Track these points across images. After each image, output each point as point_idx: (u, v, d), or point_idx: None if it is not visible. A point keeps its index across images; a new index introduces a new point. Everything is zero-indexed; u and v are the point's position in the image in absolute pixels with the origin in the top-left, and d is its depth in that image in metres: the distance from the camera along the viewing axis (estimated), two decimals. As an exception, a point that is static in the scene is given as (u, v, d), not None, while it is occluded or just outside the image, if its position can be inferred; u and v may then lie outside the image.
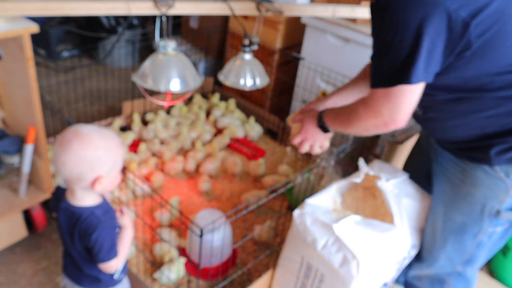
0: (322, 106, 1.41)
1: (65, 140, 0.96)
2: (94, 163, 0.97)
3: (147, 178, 1.90)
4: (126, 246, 1.11)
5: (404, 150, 1.91)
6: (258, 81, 1.67)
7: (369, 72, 1.34)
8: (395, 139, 1.90)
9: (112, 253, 1.05)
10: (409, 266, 1.44)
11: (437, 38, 0.92)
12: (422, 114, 1.19)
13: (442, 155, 1.24)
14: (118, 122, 2.21)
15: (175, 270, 1.44)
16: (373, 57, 1.05)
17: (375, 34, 1.03)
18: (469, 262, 1.25)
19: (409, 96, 0.98)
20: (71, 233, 1.04)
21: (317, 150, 1.33)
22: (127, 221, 1.14)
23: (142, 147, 2.06)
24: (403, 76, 0.96)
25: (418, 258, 1.39)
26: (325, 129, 1.26)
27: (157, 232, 1.58)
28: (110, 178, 1.01)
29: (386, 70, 0.98)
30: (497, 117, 1.05)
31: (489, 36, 0.94)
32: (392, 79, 0.98)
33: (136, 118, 2.24)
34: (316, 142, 1.30)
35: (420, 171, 1.43)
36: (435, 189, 1.29)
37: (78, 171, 0.96)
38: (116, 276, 1.15)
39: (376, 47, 1.03)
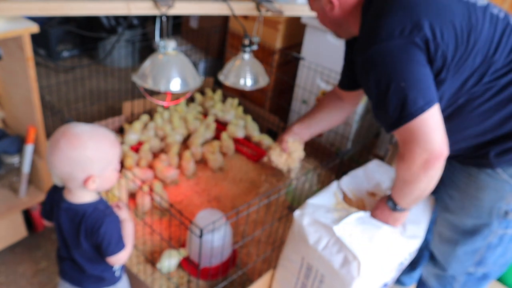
0: (305, 130, 1.49)
1: (53, 140, 0.96)
2: (83, 163, 0.96)
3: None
4: (130, 238, 1.11)
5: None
6: (258, 81, 1.67)
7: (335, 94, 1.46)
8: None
9: (120, 244, 1.06)
10: (423, 264, 1.44)
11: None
12: None
13: (447, 161, 1.22)
14: (140, 122, 2.19)
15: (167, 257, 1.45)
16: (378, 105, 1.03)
17: (368, 87, 1.05)
18: (480, 264, 1.26)
19: (430, 122, 0.98)
20: (76, 233, 1.03)
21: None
22: (125, 214, 1.14)
23: (145, 147, 2.05)
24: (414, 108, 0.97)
25: (432, 259, 1.39)
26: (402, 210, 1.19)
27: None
28: (104, 177, 1.01)
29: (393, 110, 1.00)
30: (489, 129, 1.08)
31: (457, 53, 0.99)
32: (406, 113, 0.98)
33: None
34: (398, 222, 1.23)
35: None
36: (442, 195, 1.29)
37: (68, 171, 0.96)
38: (117, 273, 1.16)
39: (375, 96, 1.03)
